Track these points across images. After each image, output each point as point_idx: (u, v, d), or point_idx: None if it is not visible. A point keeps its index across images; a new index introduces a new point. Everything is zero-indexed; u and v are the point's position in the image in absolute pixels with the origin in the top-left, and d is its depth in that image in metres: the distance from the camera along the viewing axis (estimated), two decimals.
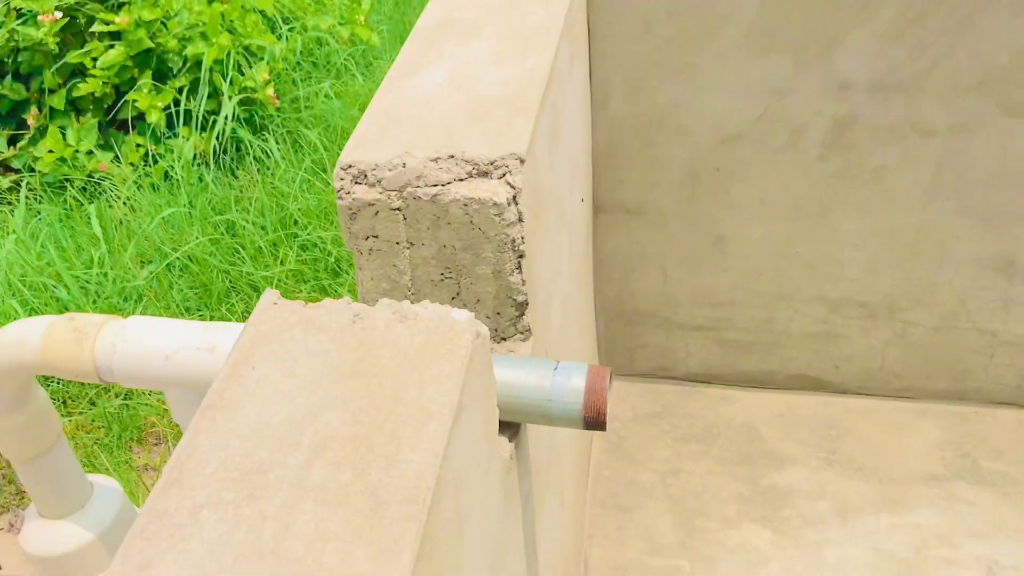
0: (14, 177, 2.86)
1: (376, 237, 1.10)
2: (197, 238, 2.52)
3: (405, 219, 1.08)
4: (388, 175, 1.06)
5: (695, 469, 1.89)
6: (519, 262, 1.09)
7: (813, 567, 1.70)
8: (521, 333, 1.15)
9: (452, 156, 1.06)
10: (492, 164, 1.06)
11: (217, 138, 2.91)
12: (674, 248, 1.88)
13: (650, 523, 1.81)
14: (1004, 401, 1.94)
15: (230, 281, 2.45)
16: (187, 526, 0.69)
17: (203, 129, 3.00)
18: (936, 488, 1.81)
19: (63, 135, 2.87)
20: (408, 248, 1.11)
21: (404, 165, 1.06)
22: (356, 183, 1.08)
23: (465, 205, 1.05)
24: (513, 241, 1.07)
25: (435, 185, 1.06)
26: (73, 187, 2.80)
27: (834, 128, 1.65)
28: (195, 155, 2.88)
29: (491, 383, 0.91)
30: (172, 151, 2.89)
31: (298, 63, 3.34)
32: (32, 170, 2.87)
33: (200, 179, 2.78)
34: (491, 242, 1.07)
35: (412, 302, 0.95)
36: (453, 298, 1.14)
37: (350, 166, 1.07)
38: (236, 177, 2.82)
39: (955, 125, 1.62)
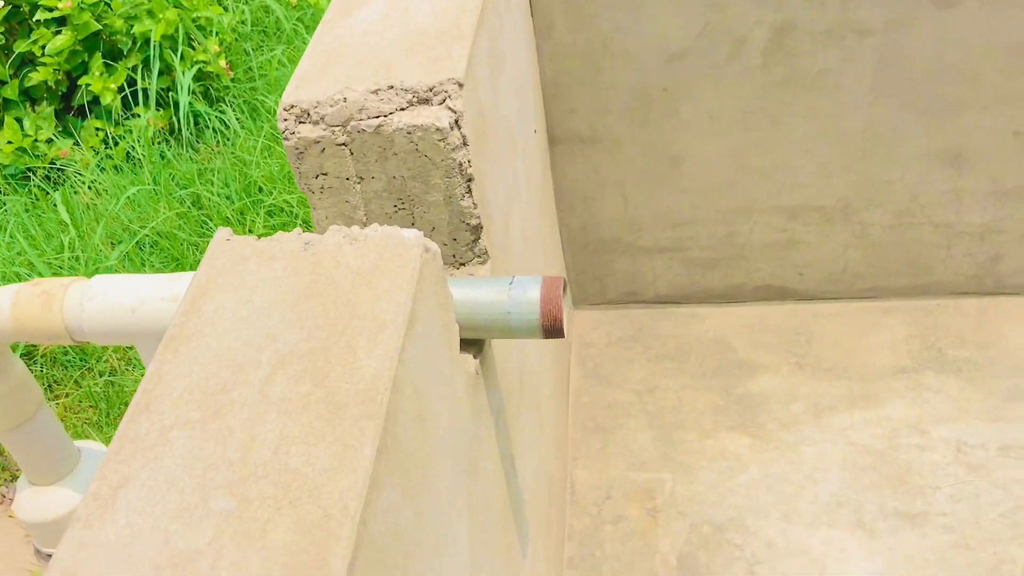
0: None
1: (325, 175, 1.13)
2: (164, 214, 2.53)
3: (352, 153, 1.11)
4: (330, 111, 1.09)
5: (670, 385, 1.94)
6: (469, 186, 1.12)
7: (791, 467, 1.76)
8: (479, 256, 1.19)
9: (391, 87, 1.09)
10: (431, 90, 1.08)
11: (175, 114, 2.91)
12: (631, 173, 1.90)
13: (631, 440, 1.86)
14: (964, 291, 1.99)
15: (200, 253, 2.46)
16: (158, 446, 0.73)
17: (160, 106, 3.00)
18: (904, 380, 1.87)
19: (20, 125, 2.86)
20: (358, 183, 1.13)
21: (345, 100, 1.08)
22: (300, 122, 1.10)
23: (409, 133, 1.08)
24: (460, 165, 1.10)
25: (377, 116, 1.08)
26: (36, 176, 2.80)
27: (774, 36, 1.68)
28: (154, 133, 2.88)
29: (446, 297, 0.94)
30: (132, 132, 2.89)
31: (248, 33, 3.32)
32: None
33: (162, 156, 2.78)
34: (438, 168, 1.10)
35: None
36: (409, 227, 1.16)
37: (292, 106, 1.09)
38: (197, 151, 2.82)
39: (891, 22, 1.65)
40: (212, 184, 2.62)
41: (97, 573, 0.64)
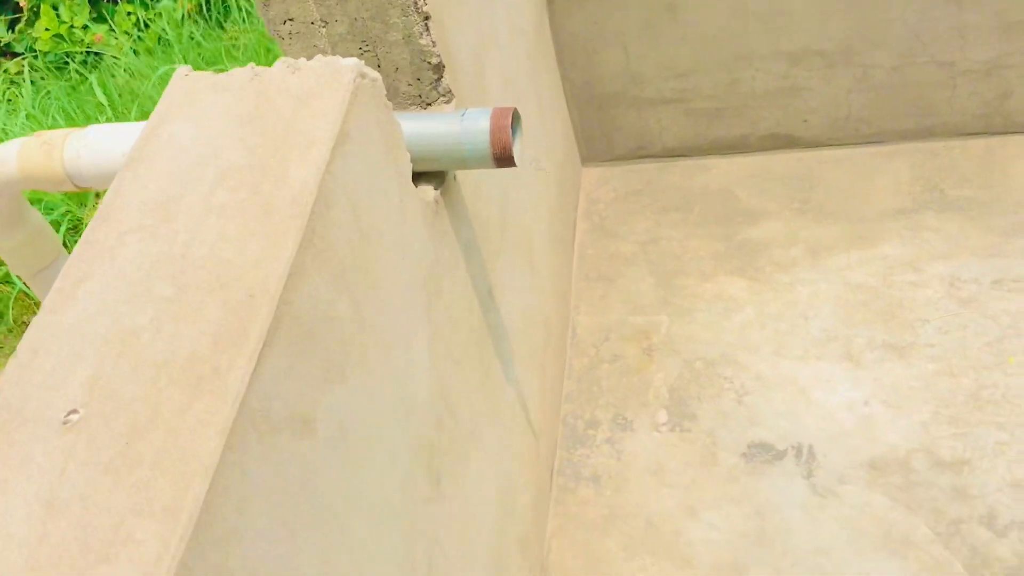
0: (19, 60, 2.98)
1: (292, 20, 1.19)
2: None
3: None
4: None
5: (674, 235, 2.00)
6: (426, 24, 1.18)
7: (785, 306, 1.81)
8: (443, 96, 1.25)
9: None
10: None
11: None
12: (630, 23, 1.92)
13: (632, 288, 1.93)
14: (971, 131, 1.97)
15: None
16: (115, 247, 0.83)
17: None
18: (904, 221, 1.89)
19: (56, 13, 2.97)
20: (324, 27, 1.20)
21: None
22: None
23: None
24: (415, 3, 1.15)
25: None
26: (74, 62, 2.92)
27: None
28: (183, 15, 2.95)
29: (390, 124, 1.01)
30: (162, 15, 2.97)
31: None
32: (34, 52, 2.98)
33: (191, 36, 2.86)
34: (395, 7, 1.15)
35: None
36: (376, 70, 1.23)
37: None
38: (224, 30, 2.89)
39: None
40: (238, 61, 2.70)
41: (56, 347, 0.75)
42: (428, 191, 1.15)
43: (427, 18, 1.17)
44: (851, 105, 1.98)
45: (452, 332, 1.19)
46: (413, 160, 1.09)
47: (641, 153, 2.16)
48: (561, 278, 1.89)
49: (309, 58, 1.23)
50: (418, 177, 1.15)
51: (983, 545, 1.44)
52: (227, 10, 2.99)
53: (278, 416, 0.74)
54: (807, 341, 1.74)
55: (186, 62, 2.73)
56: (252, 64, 0.99)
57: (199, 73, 0.99)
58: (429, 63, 1.20)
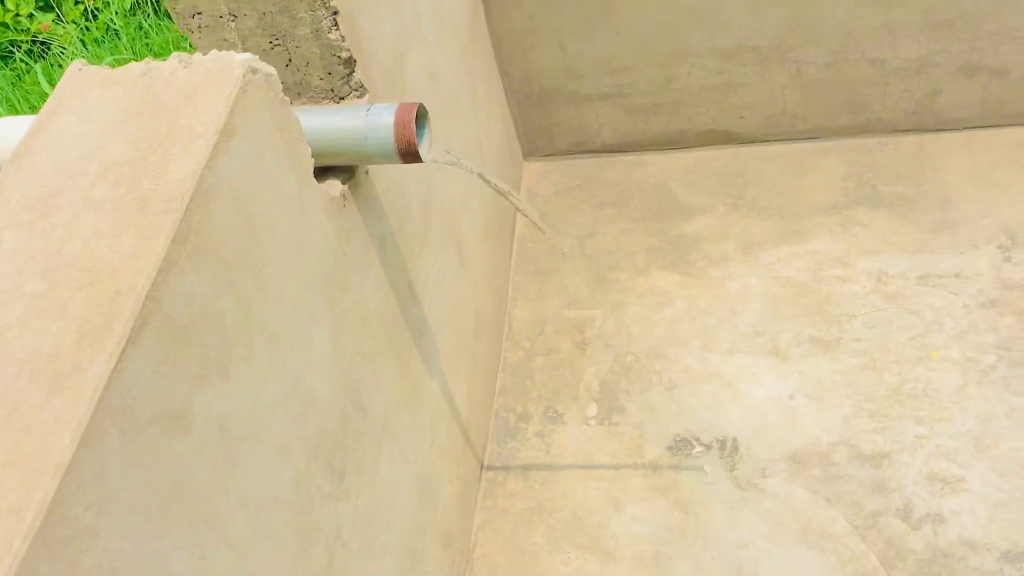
0: None
1: (200, 14, 1.19)
2: None
3: None
4: None
5: (610, 230, 2.01)
6: (335, 19, 1.17)
7: (716, 299, 1.83)
8: (355, 90, 1.24)
9: None
10: None
11: None
12: (566, 19, 1.92)
13: (567, 282, 1.94)
14: (903, 128, 2.00)
15: None
16: None
17: None
18: (835, 216, 1.91)
19: (1, 2, 2.93)
20: (232, 20, 1.19)
21: None
22: None
23: None
24: None
25: None
26: (19, 51, 2.89)
27: None
28: (132, 4, 2.93)
29: (286, 119, 1.01)
30: (110, 4, 2.94)
31: None
32: None
33: (139, 27, 2.84)
34: (302, 1, 1.15)
35: None
36: (287, 64, 1.23)
37: None
38: (172, 20, 2.87)
39: None
40: (188, 51, 2.68)
41: None
42: (334, 185, 1.14)
43: (335, 13, 1.17)
44: (786, 101, 2.00)
45: (362, 327, 1.19)
46: (316, 155, 1.09)
47: (581, 148, 2.17)
48: (497, 272, 1.89)
49: (218, 51, 1.23)
50: (326, 172, 1.15)
51: (898, 538, 1.46)
52: None
53: (144, 413, 0.74)
54: (735, 335, 1.76)
55: (134, 53, 2.71)
56: (149, 59, 0.99)
57: (93, 67, 0.98)
58: (339, 58, 1.20)
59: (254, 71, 0.95)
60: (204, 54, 1.21)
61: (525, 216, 1.30)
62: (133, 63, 0.98)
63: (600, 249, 1.97)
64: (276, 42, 1.21)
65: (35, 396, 0.69)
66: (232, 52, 0.96)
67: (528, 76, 2.04)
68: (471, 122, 1.78)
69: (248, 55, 0.95)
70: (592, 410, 1.72)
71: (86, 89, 0.96)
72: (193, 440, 0.80)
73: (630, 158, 2.14)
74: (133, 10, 2.95)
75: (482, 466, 1.70)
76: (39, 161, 0.89)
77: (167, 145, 0.87)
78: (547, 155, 2.20)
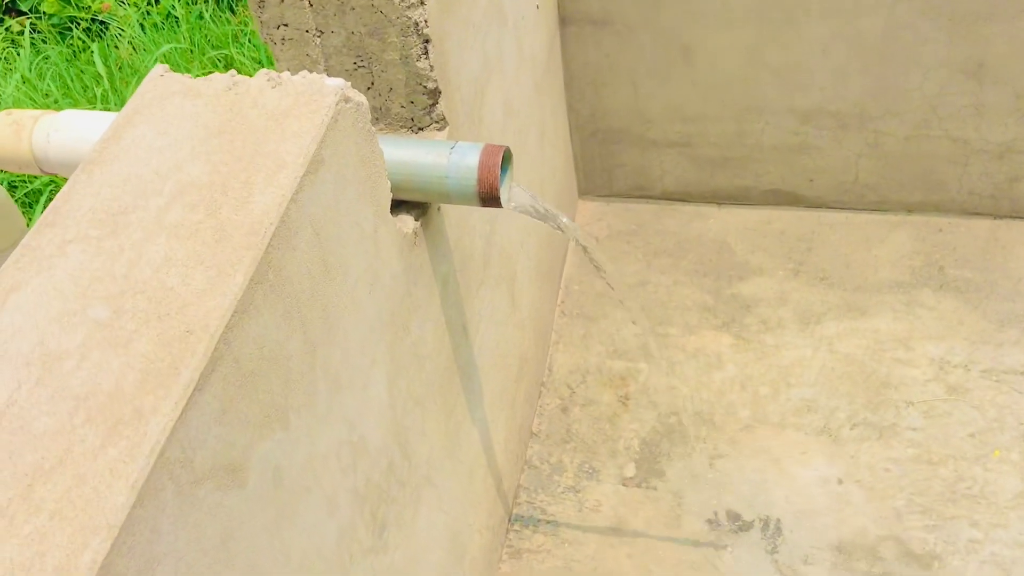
0: (22, 20, 2.92)
1: (286, 26, 1.13)
2: (195, 74, 2.56)
3: (311, 5, 1.11)
4: None
5: (663, 281, 1.94)
6: (425, 47, 1.12)
7: (769, 368, 1.76)
8: (436, 122, 1.19)
9: None
10: None
11: None
12: (642, 61, 1.87)
13: (614, 331, 1.87)
14: (977, 211, 1.93)
15: None
16: (54, 257, 0.77)
17: None
18: (900, 295, 1.84)
19: None
20: (319, 36, 1.14)
21: None
22: None
23: None
24: (416, 25, 1.10)
25: None
26: (78, 29, 2.85)
27: None
28: None
29: (371, 151, 0.95)
30: None
31: None
32: (39, 13, 2.92)
33: (200, 16, 2.80)
34: (394, 25, 1.10)
35: None
36: (369, 88, 1.17)
37: None
38: (235, 13, 2.84)
39: None
40: (245, 47, 2.64)
41: None
42: (407, 222, 1.09)
43: (427, 41, 1.11)
44: (859, 170, 1.93)
45: (417, 370, 1.13)
46: (394, 189, 1.04)
47: (639, 193, 2.11)
48: (543, 313, 1.83)
49: (300, 67, 1.18)
50: (398, 206, 1.09)
51: None
52: None
53: (202, 466, 0.68)
54: (786, 409, 1.69)
55: (192, 43, 2.68)
56: (233, 71, 0.94)
57: (176, 75, 0.93)
58: (425, 87, 1.15)
59: (347, 99, 0.89)
60: (285, 67, 1.17)
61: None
62: (217, 75, 0.93)
63: (651, 300, 1.91)
64: (360, 64, 1.15)
65: (90, 440, 0.63)
66: (323, 76, 0.91)
67: (595, 114, 1.99)
68: (537, 158, 1.72)
69: (340, 81, 0.90)
70: (630, 470, 1.65)
71: (166, 98, 0.90)
72: (247, 494, 0.74)
73: (689, 208, 2.08)
74: None
75: (510, 515, 1.63)
76: (112, 172, 0.83)
77: (250, 171, 0.81)
78: (604, 195, 2.14)
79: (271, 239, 0.76)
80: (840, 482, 1.58)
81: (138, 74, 2.62)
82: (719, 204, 2.06)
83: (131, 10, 2.89)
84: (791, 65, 1.80)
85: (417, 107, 1.17)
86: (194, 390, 0.66)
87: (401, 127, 1.20)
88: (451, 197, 1.06)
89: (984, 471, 1.56)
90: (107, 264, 0.75)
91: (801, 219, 2.01)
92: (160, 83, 0.92)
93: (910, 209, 1.97)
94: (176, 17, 2.81)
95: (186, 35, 2.71)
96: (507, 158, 1.07)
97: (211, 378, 0.68)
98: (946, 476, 1.56)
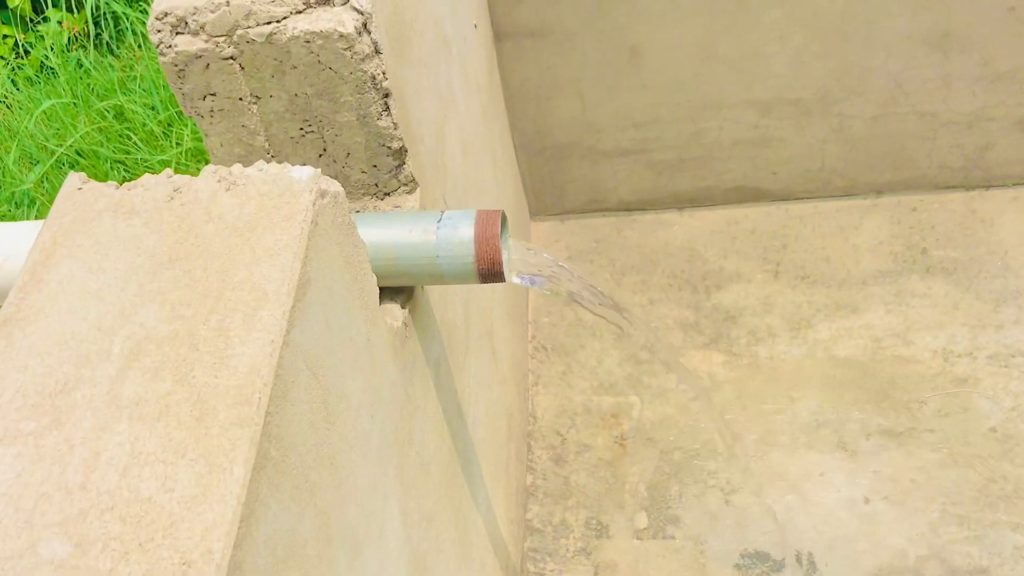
0: None
1: (214, 95, 0.94)
2: (83, 129, 2.31)
3: (243, 68, 0.92)
4: (211, 18, 0.89)
5: (636, 301, 1.80)
6: (386, 102, 0.94)
7: (767, 384, 1.64)
8: (405, 185, 1.02)
9: None
10: None
11: (91, 16, 2.65)
12: (587, 69, 1.72)
13: (595, 363, 1.73)
14: (950, 185, 1.84)
15: (126, 170, 2.26)
16: None
17: (74, 8, 2.73)
18: (888, 285, 1.74)
19: None
20: (255, 103, 0.95)
21: (228, 3, 0.89)
22: (177, 33, 0.91)
23: (307, 42, 0.89)
24: (373, 78, 0.92)
25: (268, 23, 0.89)
26: None
27: None
28: (69, 38, 2.62)
29: (354, 248, 0.78)
30: (44, 37, 2.63)
31: None
32: None
33: (79, 64, 2.54)
34: (347, 83, 0.92)
35: None
36: (320, 155, 0.99)
37: (166, 14, 0.90)
38: (118, 57, 2.58)
39: None
40: (135, 93, 2.39)
41: None
42: (395, 313, 0.92)
43: (387, 95, 0.94)
44: (825, 156, 1.83)
45: (424, 482, 0.96)
46: (378, 279, 0.86)
47: (594, 207, 1.96)
48: (518, 357, 1.67)
49: (235, 140, 0.99)
50: (381, 293, 0.92)
51: None
52: (120, 33, 2.67)
53: None
54: (795, 427, 1.57)
55: (75, 95, 2.41)
56: (168, 171, 0.75)
57: (97, 187, 0.73)
58: (389, 148, 0.97)
59: (322, 194, 0.71)
60: (217, 142, 0.98)
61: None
62: (150, 178, 0.74)
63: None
64: (309, 128, 0.97)
65: None
66: (287, 167, 0.73)
67: (541, 130, 1.83)
68: (492, 187, 1.56)
69: (310, 170, 0.72)
70: (642, 520, 1.51)
71: (92, 220, 0.71)
72: None
73: (650, 217, 1.94)
74: (69, 45, 2.64)
75: None
76: (38, 333, 0.64)
77: (222, 312, 0.63)
78: (556, 214, 1.99)
79: (267, 405, 0.58)
80: (867, 501, 1.47)
81: (17, 136, 2.35)
82: (680, 209, 1.93)
83: None
84: (746, 56, 1.68)
85: (382, 171, 0.99)
86: None
87: (364, 195, 1.02)
88: (445, 278, 0.90)
89: (1014, 467, 1.47)
90: (55, 472, 0.56)
91: (769, 214, 1.89)
92: (80, 199, 0.73)
93: (879, 191, 1.87)
94: (52, 68, 2.54)
95: (66, 87, 2.44)
96: (503, 223, 0.91)
97: None
98: (975, 479, 1.47)
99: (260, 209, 0.69)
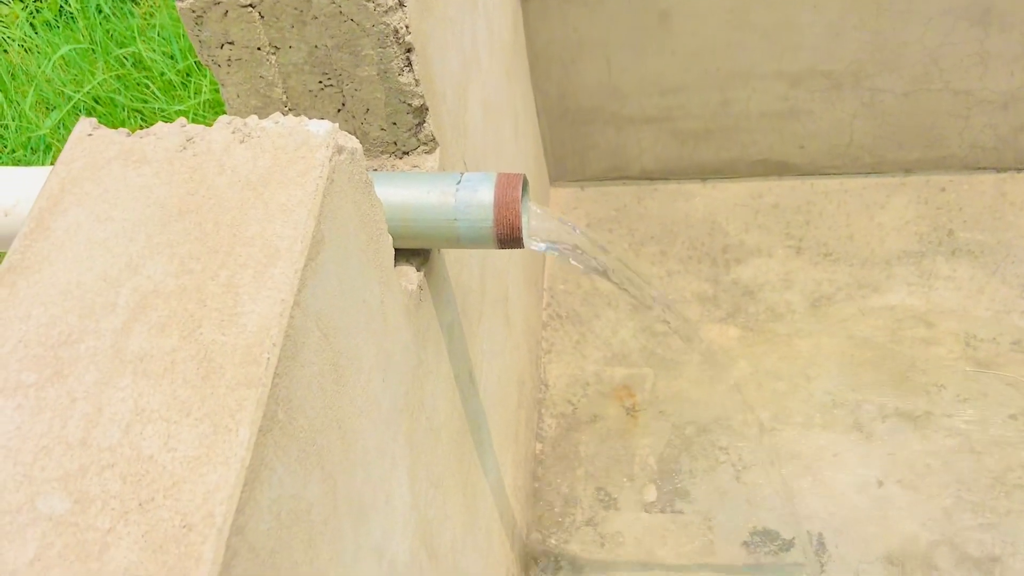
0: None
1: (232, 44, 0.92)
2: (101, 76, 2.29)
3: (262, 17, 0.90)
4: None
5: (655, 272, 1.77)
6: (408, 57, 0.92)
7: (784, 361, 1.61)
8: (424, 144, 0.99)
9: None
10: None
11: None
12: (615, 32, 1.68)
13: (610, 333, 1.70)
14: (980, 166, 1.80)
15: (143, 119, 2.24)
16: None
17: None
18: (912, 266, 1.70)
19: None
20: (273, 53, 0.93)
21: None
22: None
23: None
24: (396, 32, 0.89)
25: None
26: None
27: None
28: None
29: (371, 207, 0.75)
30: None
31: None
32: None
33: (98, 10, 2.50)
34: (369, 35, 0.89)
35: None
36: (339, 110, 0.97)
37: None
38: (137, 3, 2.54)
39: None
40: (154, 41, 2.36)
41: None
42: (410, 275, 0.89)
43: (409, 50, 0.91)
44: (853, 131, 1.78)
45: (433, 448, 0.95)
46: (394, 240, 0.84)
47: (616, 175, 1.93)
48: (532, 324, 1.65)
49: (252, 91, 0.96)
50: (396, 255, 0.89)
51: None
52: None
53: None
54: (810, 406, 1.55)
55: (93, 41, 2.38)
56: (182, 120, 0.72)
57: (108, 133, 0.71)
58: (409, 105, 0.94)
59: (339, 149, 0.69)
60: (234, 92, 0.95)
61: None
62: (163, 127, 0.72)
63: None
64: (328, 82, 0.94)
65: None
66: (303, 120, 0.70)
67: (565, 94, 1.80)
68: (512, 151, 1.53)
69: (328, 125, 0.70)
70: (651, 494, 1.49)
71: (102, 167, 0.69)
72: None
73: (672, 187, 1.91)
74: None
75: (526, 564, 1.46)
76: (43, 282, 0.62)
77: (232, 268, 0.61)
78: (577, 180, 1.95)
79: (276, 365, 0.56)
80: (880, 484, 1.45)
81: (35, 81, 2.33)
82: (703, 180, 1.90)
83: (15, 6, 2.58)
84: (779, 24, 1.63)
85: (401, 129, 0.97)
86: None
87: (382, 153, 0.99)
88: (462, 242, 0.87)
89: None
90: (55, 426, 0.55)
91: (794, 189, 1.86)
92: (90, 146, 0.70)
93: (908, 169, 1.83)
94: (71, 13, 2.51)
95: (85, 33, 2.42)
96: (524, 188, 0.88)
97: None
98: (992, 467, 1.44)
99: (275, 163, 0.67)
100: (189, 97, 2.21)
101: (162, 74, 2.27)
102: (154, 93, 2.26)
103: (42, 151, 2.20)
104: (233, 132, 0.69)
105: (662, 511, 1.47)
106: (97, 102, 2.26)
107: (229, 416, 0.54)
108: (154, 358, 0.57)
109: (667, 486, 1.49)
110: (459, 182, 0.86)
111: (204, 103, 2.19)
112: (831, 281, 1.70)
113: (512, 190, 0.85)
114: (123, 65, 2.34)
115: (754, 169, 1.87)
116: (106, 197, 0.66)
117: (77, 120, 2.19)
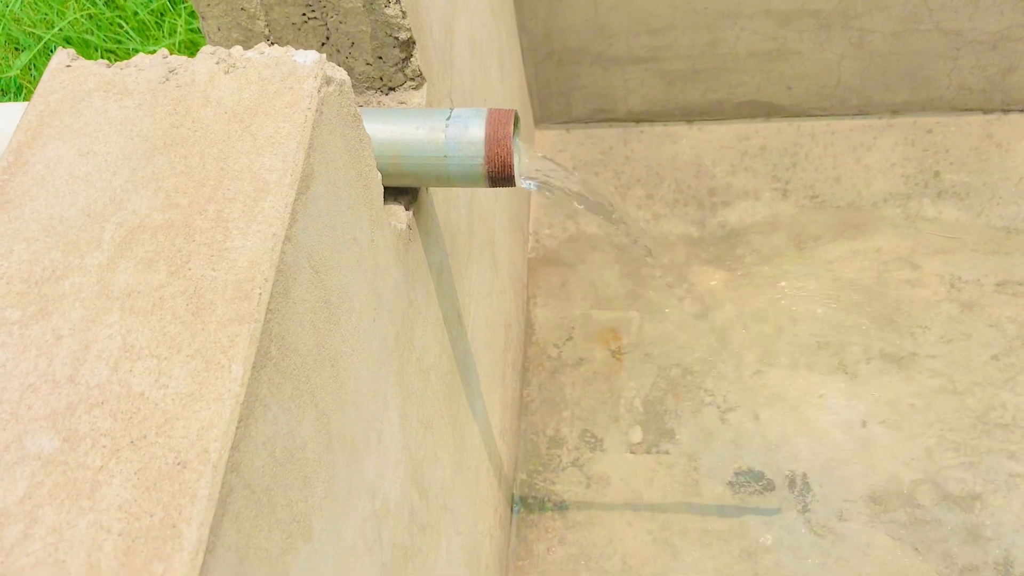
0: None
1: None
2: (72, 15, 2.22)
3: None
4: None
5: (641, 215, 1.76)
6: None
7: (770, 303, 1.62)
8: (411, 80, 0.97)
9: None
10: None
11: None
12: None
13: (596, 276, 1.70)
14: (967, 107, 1.79)
15: (117, 60, 2.19)
16: None
17: None
18: (897, 208, 1.70)
19: None
20: None
21: None
22: None
23: None
24: None
25: None
26: None
27: None
28: None
29: (359, 141, 0.74)
30: None
31: None
32: None
33: None
34: None
35: None
36: (323, 43, 0.94)
37: None
38: None
39: None
40: None
41: None
42: (399, 215, 0.88)
43: None
44: (841, 72, 1.77)
45: (423, 389, 0.94)
46: (383, 177, 0.82)
47: (602, 116, 1.91)
48: (518, 267, 1.64)
49: (233, 24, 0.93)
50: (385, 194, 0.88)
51: None
52: None
53: None
54: (796, 348, 1.55)
55: None
56: (164, 51, 0.70)
57: (87, 64, 0.69)
58: (396, 39, 0.92)
59: (328, 80, 0.67)
60: (215, 25, 0.92)
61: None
62: (143, 56, 0.69)
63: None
64: (311, 15, 0.92)
65: None
66: (290, 50, 0.68)
67: (550, 33, 1.76)
68: (498, 92, 1.50)
69: (315, 55, 0.67)
70: (636, 435, 1.50)
71: (81, 99, 0.66)
72: None
73: (658, 129, 1.89)
74: None
75: (513, 504, 1.47)
76: (24, 217, 0.60)
77: (220, 202, 0.59)
78: (562, 122, 1.93)
79: (269, 301, 0.55)
80: (864, 424, 1.46)
81: (3, 21, 2.26)
82: (690, 122, 1.88)
83: None
84: None
85: (387, 63, 0.94)
86: (206, 554, 0.46)
87: (367, 89, 0.97)
88: (452, 180, 0.86)
89: (1014, 396, 1.45)
90: (41, 363, 0.53)
91: (781, 131, 1.84)
92: (68, 78, 0.68)
93: (895, 111, 1.81)
94: None
95: None
96: (516, 124, 0.86)
97: (222, 528, 0.48)
98: (974, 406, 1.46)
99: (261, 94, 0.65)
100: (164, 37, 2.16)
101: (135, 13, 2.21)
102: (128, 33, 2.20)
103: (13, 92, 2.14)
104: (217, 63, 0.67)
105: (647, 452, 1.48)
106: (69, 42, 2.20)
107: (221, 352, 0.52)
108: (142, 294, 0.55)
109: (652, 427, 1.50)
110: (449, 118, 0.84)
111: (180, 43, 2.13)
112: (817, 223, 1.70)
113: (504, 126, 0.83)
114: (95, 4, 2.27)
115: (741, 111, 1.86)
116: (87, 130, 0.64)
117: (48, 61, 2.13)
